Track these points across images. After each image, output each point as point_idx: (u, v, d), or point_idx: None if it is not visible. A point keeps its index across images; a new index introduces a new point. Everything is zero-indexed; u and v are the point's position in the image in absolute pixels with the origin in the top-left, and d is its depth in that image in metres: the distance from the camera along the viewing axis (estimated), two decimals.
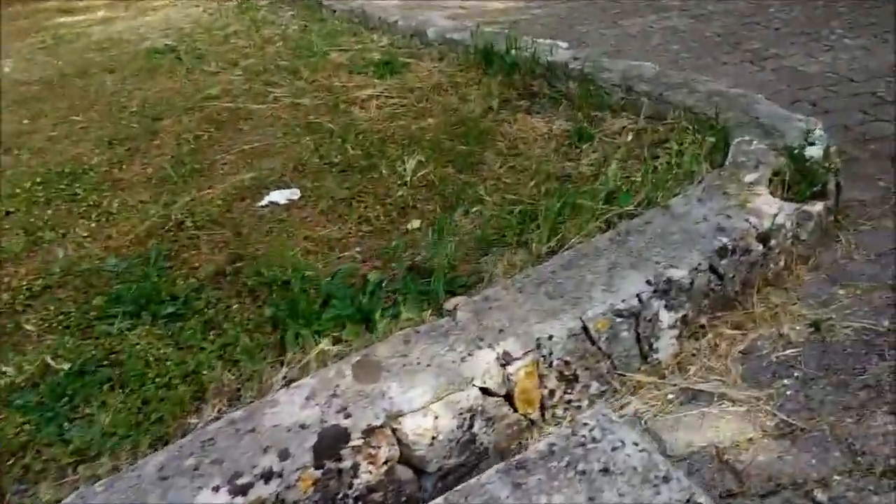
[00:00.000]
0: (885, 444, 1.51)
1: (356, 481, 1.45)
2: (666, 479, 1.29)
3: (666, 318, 1.78)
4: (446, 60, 3.44)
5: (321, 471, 1.41)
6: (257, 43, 4.22)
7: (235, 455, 1.41)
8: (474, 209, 2.40)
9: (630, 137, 2.68)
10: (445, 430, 1.53)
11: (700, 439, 1.59)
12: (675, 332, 1.82)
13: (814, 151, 2.19)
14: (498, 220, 2.31)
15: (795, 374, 1.73)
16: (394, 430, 1.50)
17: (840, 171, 2.23)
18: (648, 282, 1.75)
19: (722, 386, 1.73)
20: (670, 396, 1.73)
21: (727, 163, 2.25)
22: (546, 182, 2.48)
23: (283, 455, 1.41)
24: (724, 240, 1.87)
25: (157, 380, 1.78)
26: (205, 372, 1.78)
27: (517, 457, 1.38)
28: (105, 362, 1.86)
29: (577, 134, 2.74)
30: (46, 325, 2.04)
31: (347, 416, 1.48)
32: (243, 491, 1.35)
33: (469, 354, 1.60)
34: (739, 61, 3.79)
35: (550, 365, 1.64)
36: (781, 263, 2.02)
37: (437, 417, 1.52)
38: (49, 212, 2.64)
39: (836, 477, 1.46)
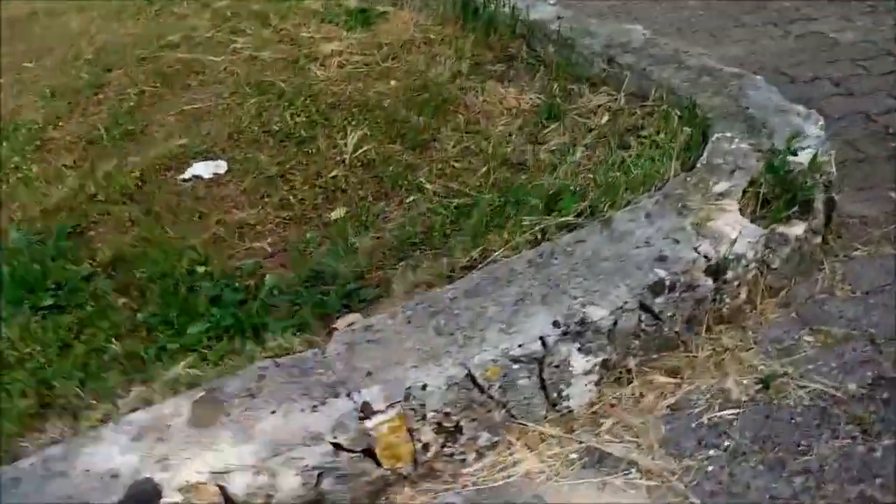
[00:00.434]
0: None
1: None
2: None
3: (580, 362, 1.50)
4: (426, 12, 3.07)
5: None
6: None
7: None
8: (410, 199, 2.13)
9: (605, 119, 2.32)
10: (285, 488, 1.32)
11: None
12: (593, 377, 1.54)
13: (800, 158, 1.81)
14: (431, 214, 2.04)
15: (725, 444, 1.44)
16: (221, 488, 1.29)
17: (833, 184, 1.85)
18: (556, 323, 1.46)
19: (634, 450, 1.45)
20: (573, 456, 1.46)
21: (700, 164, 1.90)
22: (498, 170, 2.17)
23: None
24: (662, 273, 1.55)
25: (8, 386, 1.61)
26: (56, 383, 1.60)
27: None
28: None
29: (546, 111, 2.40)
30: None
31: (166, 469, 1.28)
32: None
33: (322, 403, 1.36)
34: (761, 23, 3.26)
35: (423, 418, 1.40)
36: (742, 297, 1.70)
37: (274, 475, 1.31)
38: None
39: None
